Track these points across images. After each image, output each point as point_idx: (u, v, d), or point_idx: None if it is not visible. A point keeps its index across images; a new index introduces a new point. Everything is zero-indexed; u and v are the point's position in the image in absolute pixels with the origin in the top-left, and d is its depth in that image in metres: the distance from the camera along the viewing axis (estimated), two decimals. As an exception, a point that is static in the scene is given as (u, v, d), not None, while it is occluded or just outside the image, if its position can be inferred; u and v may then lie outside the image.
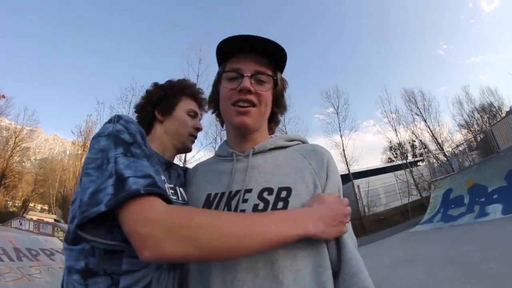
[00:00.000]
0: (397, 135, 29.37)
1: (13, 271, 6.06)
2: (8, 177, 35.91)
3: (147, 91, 1.44)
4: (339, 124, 27.00)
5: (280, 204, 0.94)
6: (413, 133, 29.99)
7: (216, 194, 1.05)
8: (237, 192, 1.01)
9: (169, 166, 1.31)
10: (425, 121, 28.83)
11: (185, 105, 1.42)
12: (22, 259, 6.99)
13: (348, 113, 27.99)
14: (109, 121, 1.00)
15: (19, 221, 14.92)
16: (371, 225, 21.90)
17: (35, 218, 27.78)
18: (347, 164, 25.24)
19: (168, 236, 0.73)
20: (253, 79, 1.03)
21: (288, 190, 0.97)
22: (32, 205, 46.20)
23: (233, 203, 0.99)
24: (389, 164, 31.76)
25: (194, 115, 1.44)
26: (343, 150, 25.70)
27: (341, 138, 26.39)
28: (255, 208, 0.95)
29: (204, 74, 24.93)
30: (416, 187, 25.40)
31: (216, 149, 1.29)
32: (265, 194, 0.97)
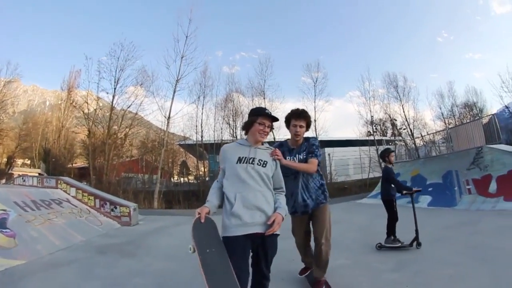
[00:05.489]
0: (371, 114, 30.98)
1: (37, 218, 7.87)
2: (-9, 135, 35.03)
3: None
4: (314, 96, 28.52)
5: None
6: (388, 114, 31.65)
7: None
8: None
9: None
10: (402, 106, 30.40)
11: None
12: (40, 208, 8.79)
13: (325, 87, 29.37)
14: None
15: (22, 178, 16.08)
16: (332, 191, 23.98)
17: (20, 173, 27.62)
18: (316, 133, 26.80)
19: None
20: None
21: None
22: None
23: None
24: (355, 137, 32.74)
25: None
26: (315, 121, 27.06)
27: (314, 109, 28.09)
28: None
29: (192, 35, 26.44)
30: (380, 165, 27.27)
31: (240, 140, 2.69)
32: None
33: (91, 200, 11.20)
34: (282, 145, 3.49)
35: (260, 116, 2.52)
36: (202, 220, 2.22)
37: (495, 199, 9.98)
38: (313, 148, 3.29)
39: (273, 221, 2.27)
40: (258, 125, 2.52)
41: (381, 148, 27.48)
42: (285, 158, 3.24)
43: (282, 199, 2.54)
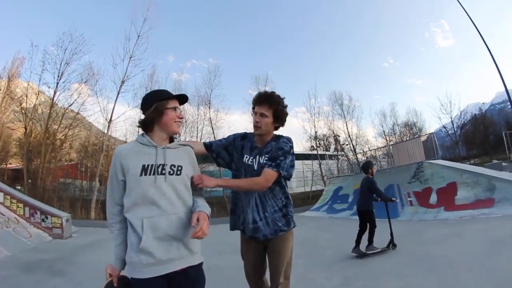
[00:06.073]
0: (315, 129, 31.88)
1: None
2: None
3: None
4: (260, 108, 29.10)
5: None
6: (331, 130, 32.92)
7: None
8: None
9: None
10: (346, 123, 31.93)
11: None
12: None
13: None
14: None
15: None
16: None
17: None
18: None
19: None
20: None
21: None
22: None
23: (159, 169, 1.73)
24: (298, 152, 32.49)
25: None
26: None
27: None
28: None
29: (144, 36, 25.54)
30: (322, 178, 28.06)
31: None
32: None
33: (20, 208, 10.02)
34: (245, 137, 2.59)
35: (170, 100, 1.83)
36: (115, 285, 1.77)
37: (436, 209, 10.64)
38: (277, 153, 2.32)
39: (197, 221, 1.61)
40: (173, 112, 1.82)
41: (324, 162, 28.55)
42: (243, 154, 2.51)
43: (201, 200, 1.90)
